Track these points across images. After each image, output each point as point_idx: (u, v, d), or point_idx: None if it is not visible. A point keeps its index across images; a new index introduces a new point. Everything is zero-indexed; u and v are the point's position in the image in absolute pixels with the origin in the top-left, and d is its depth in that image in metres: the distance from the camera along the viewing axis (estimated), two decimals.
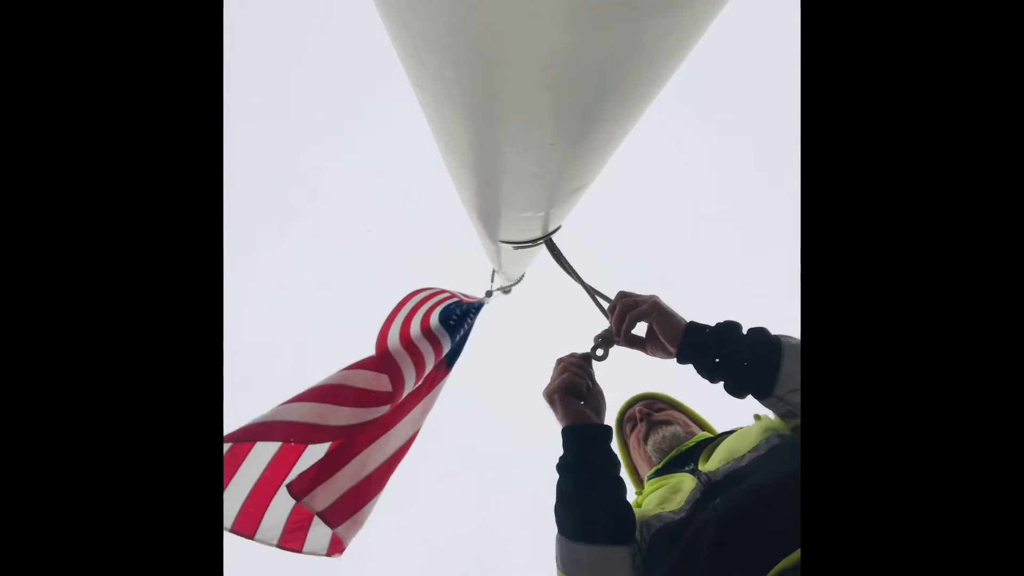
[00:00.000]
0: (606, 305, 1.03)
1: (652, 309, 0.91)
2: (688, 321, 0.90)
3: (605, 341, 0.98)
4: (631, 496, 1.05)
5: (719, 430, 1.16)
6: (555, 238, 1.14)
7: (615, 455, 0.90)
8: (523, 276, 1.89)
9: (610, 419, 1.34)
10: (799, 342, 0.82)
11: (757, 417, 1.00)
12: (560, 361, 0.99)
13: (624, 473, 1.31)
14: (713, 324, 0.88)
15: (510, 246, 1.11)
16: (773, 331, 0.86)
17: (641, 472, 1.20)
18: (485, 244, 1.26)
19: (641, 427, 1.21)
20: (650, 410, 1.25)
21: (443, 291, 1.56)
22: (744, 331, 0.86)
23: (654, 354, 0.95)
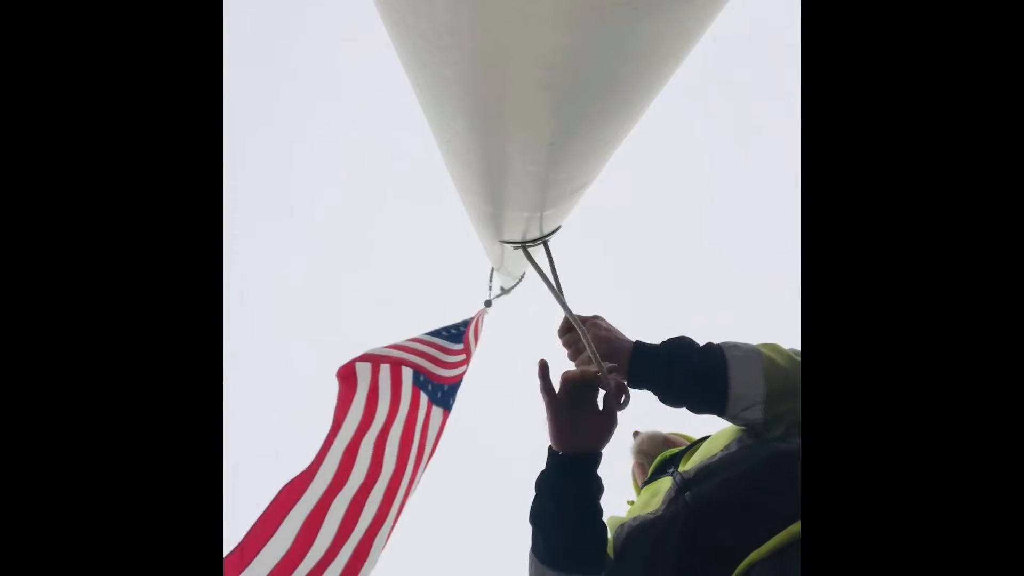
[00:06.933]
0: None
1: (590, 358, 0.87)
2: (632, 352, 0.86)
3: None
4: (626, 508, 1.06)
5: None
6: (552, 239, 1.14)
7: (597, 482, 0.85)
8: (523, 275, 1.89)
9: None
10: (746, 353, 0.81)
11: None
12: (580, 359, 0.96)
13: (621, 501, 1.34)
14: (659, 345, 0.87)
15: (510, 246, 1.11)
16: (743, 338, 0.84)
17: (639, 480, 1.25)
18: (485, 244, 1.26)
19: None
20: None
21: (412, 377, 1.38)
22: (692, 352, 0.84)
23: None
